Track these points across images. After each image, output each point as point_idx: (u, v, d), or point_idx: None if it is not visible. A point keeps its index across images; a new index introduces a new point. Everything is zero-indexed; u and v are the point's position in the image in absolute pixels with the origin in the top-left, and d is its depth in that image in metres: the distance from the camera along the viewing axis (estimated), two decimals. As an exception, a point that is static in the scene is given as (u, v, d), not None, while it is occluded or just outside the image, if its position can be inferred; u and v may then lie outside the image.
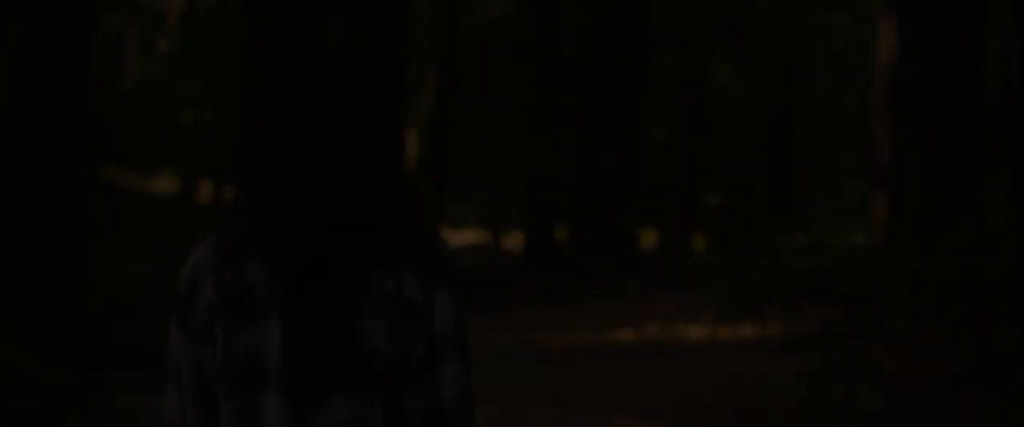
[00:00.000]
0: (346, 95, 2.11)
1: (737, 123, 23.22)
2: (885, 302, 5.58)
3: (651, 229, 21.47)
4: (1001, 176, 12.19)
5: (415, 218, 2.22)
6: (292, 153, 2.10)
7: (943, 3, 11.59)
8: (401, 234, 2.13)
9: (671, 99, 18.31)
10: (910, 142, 11.69)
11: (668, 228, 17.51)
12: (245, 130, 15.49)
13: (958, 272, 5.25)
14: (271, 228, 2.09)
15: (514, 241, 23.85)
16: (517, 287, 17.99)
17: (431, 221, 19.73)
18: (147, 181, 26.45)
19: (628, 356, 11.39)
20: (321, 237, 2.07)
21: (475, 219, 26.02)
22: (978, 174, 11.82)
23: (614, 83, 18.62)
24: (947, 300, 8.66)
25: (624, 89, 18.62)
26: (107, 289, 17.25)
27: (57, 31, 11.26)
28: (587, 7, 19.19)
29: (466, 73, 23.69)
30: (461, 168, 25.20)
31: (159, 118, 25.20)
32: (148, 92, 25.64)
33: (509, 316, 15.75)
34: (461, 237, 25.37)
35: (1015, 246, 6.25)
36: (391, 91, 2.24)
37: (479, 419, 6.84)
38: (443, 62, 21.35)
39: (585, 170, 19.03)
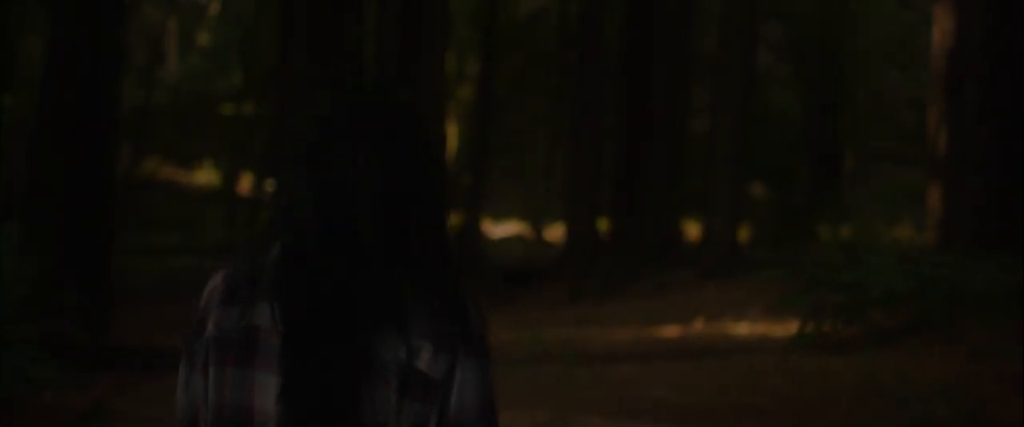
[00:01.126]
0: (381, 134, 1.92)
1: (781, 112, 22.48)
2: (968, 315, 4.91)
3: (694, 219, 20.79)
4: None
5: (453, 275, 1.97)
6: (315, 194, 1.91)
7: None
8: (426, 294, 1.90)
9: (714, 88, 17.61)
10: (967, 131, 10.96)
11: (712, 218, 16.82)
12: (281, 126, 14.99)
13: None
14: (282, 270, 1.90)
15: (555, 233, 23.25)
16: (558, 280, 17.38)
17: (471, 214, 19.16)
18: (188, 174, 26.06)
19: (674, 355, 10.73)
20: (334, 287, 1.87)
21: (516, 211, 25.44)
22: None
23: (656, 73, 17.97)
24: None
25: (666, 79, 17.97)
26: (138, 284, 16.82)
27: (88, 24, 10.70)
28: (628, -5, 18.56)
29: (507, 64, 23.10)
30: (501, 159, 24.61)
31: (200, 111, 24.81)
32: (189, 85, 25.25)
33: (551, 311, 15.15)
34: (501, 229, 24.80)
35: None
36: (431, 132, 2.01)
37: (524, 425, 6.16)
38: (483, 53, 20.73)
39: (627, 161, 18.39)
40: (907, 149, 22.68)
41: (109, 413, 7.31)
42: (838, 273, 3.81)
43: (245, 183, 23.91)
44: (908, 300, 3.69)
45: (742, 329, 12.38)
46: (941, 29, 11.49)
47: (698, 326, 12.64)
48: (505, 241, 23.38)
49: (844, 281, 3.69)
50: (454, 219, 19.58)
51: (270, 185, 18.79)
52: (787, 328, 12.31)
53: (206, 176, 25.87)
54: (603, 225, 19.03)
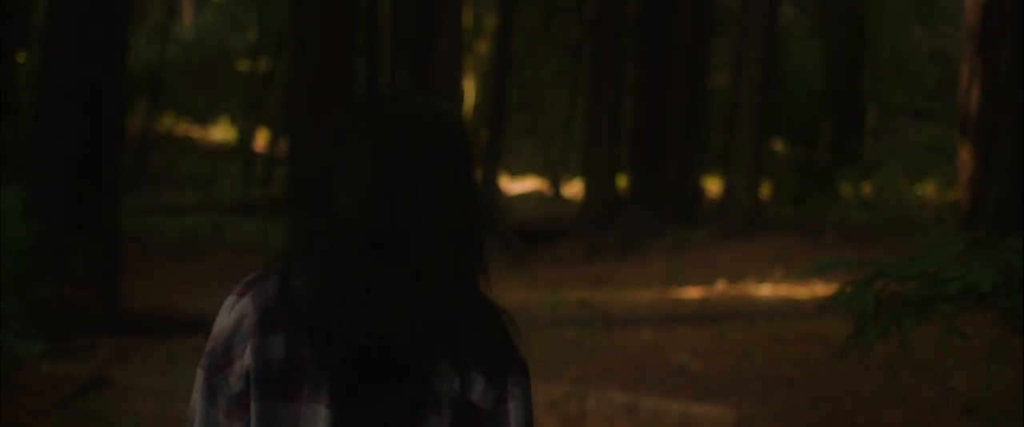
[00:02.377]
0: (423, 147, 1.79)
1: (803, 68, 21.96)
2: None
3: (715, 176, 20.35)
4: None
5: (483, 292, 1.84)
6: (365, 202, 1.76)
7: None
8: (472, 319, 1.77)
9: (737, 44, 17.12)
10: (1000, 90, 10.49)
11: (733, 177, 16.39)
12: (296, 83, 14.57)
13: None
14: (324, 296, 1.73)
15: (574, 189, 22.83)
16: (576, 238, 16.98)
17: (489, 170, 18.76)
18: (204, 131, 25.70)
19: (695, 320, 10.32)
20: (382, 316, 1.72)
21: (534, 167, 25.01)
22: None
23: (677, 27, 17.48)
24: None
25: (686, 33, 17.47)
26: (154, 243, 16.51)
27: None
28: (648, -52, 18.02)
29: (525, 19, 22.60)
30: (520, 115, 24.16)
31: (215, 68, 24.41)
32: (204, 42, 24.83)
33: (568, 269, 14.75)
34: (519, 185, 24.39)
35: None
36: (472, 148, 1.88)
37: (541, 400, 5.78)
38: (501, 7, 20.23)
39: (647, 117, 17.93)
40: (930, 105, 22.17)
41: (109, 384, 6.96)
42: (909, 262, 3.34)
43: (261, 140, 23.55)
44: (992, 297, 3.24)
45: (765, 291, 11.97)
46: (974, -17, 10.98)
47: (720, 288, 12.24)
48: (523, 197, 22.98)
49: (914, 271, 3.24)
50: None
51: (284, 144, 18.44)
52: (812, 291, 11.91)
53: (222, 133, 25.52)
54: (622, 182, 18.60)
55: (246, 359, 1.74)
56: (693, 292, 12.10)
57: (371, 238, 1.75)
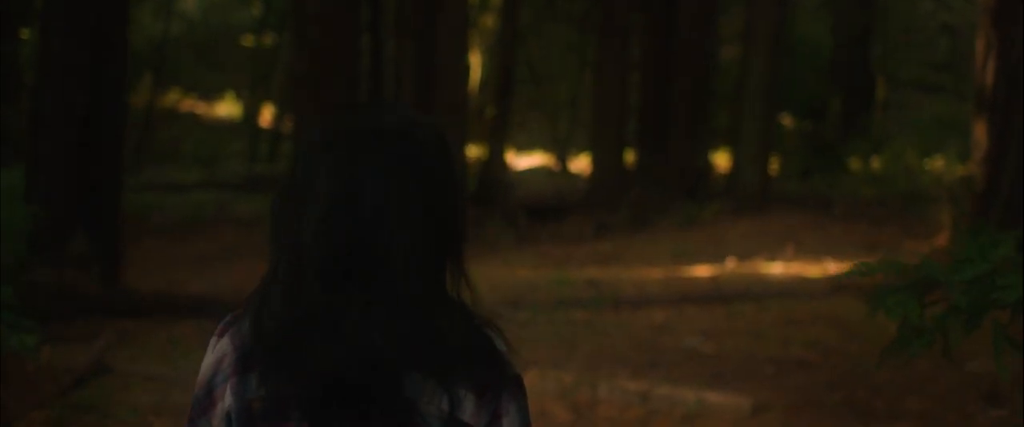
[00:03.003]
0: (392, 162, 1.68)
1: (811, 41, 21.67)
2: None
3: (724, 151, 20.09)
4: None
5: (465, 306, 1.73)
6: (321, 228, 1.65)
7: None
8: (456, 334, 1.68)
9: (746, 17, 16.83)
10: (1017, 62, 10.23)
11: (742, 153, 16.15)
12: (300, 58, 14.34)
13: None
14: (289, 331, 1.65)
15: (581, 164, 22.59)
16: (584, 214, 16.75)
17: (495, 146, 18.53)
18: (209, 106, 25.47)
19: (706, 299, 10.11)
20: (355, 343, 1.63)
21: (541, 142, 24.76)
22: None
23: (683, 1, 17.19)
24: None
25: (695, 6, 17.19)
26: (158, 221, 16.33)
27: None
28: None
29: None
30: (526, 90, 23.89)
31: (220, 43, 24.15)
32: (208, 16, 24.56)
33: (576, 246, 14.53)
34: (526, 161, 24.15)
35: None
36: (452, 159, 1.76)
37: (551, 389, 5.56)
38: (507, -19, 19.93)
39: (654, 92, 17.67)
40: (940, 78, 21.89)
41: (108, 372, 6.76)
42: (957, 267, 3.09)
43: (266, 115, 23.32)
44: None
45: (776, 270, 11.75)
46: (989, -46, 10.70)
47: (730, 266, 12.02)
48: (530, 173, 22.75)
49: (965, 276, 2.99)
50: (477, 151, 18.78)
51: (289, 120, 18.24)
52: (823, 269, 11.69)
53: (227, 108, 25.29)
54: (630, 157, 18.36)
55: (227, 400, 1.69)
56: (703, 270, 11.89)
57: (335, 264, 1.65)
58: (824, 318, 9.25)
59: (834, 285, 10.58)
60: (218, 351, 1.73)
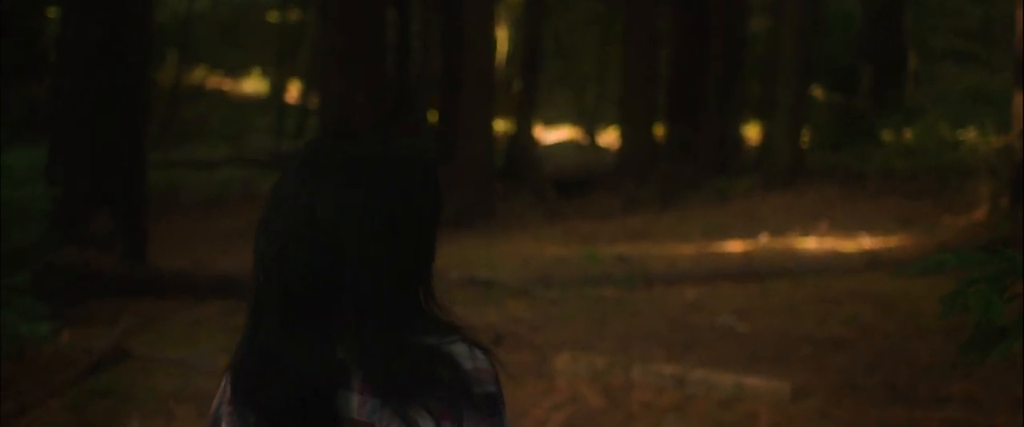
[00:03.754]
0: (354, 191, 1.64)
1: (842, 10, 21.26)
2: None
3: (754, 123, 19.75)
4: None
5: (440, 324, 1.69)
6: (280, 251, 1.64)
7: None
8: (413, 356, 1.61)
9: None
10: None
11: (774, 126, 15.84)
12: (325, 33, 14.09)
13: None
14: (246, 361, 1.66)
15: (609, 138, 22.30)
16: (613, 189, 16.48)
17: (522, 120, 18.26)
18: (236, 83, 25.28)
19: (739, 276, 9.85)
20: (294, 378, 1.62)
21: (568, 116, 24.47)
22: None
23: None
24: None
25: (724, -22, 16.86)
26: (184, 199, 16.18)
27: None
28: None
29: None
30: (553, 63, 23.59)
31: (245, 19, 23.92)
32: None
33: (607, 222, 14.28)
34: (553, 135, 23.88)
35: None
36: (427, 185, 1.72)
37: (583, 372, 5.30)
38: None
39: (683, 64, 17.36)
40: (973, 48, 21.45)
41: (128, 356, 6.57)
42: None
43: (293, 91, 23.11)
44: None
45: (810, 245, 11.47)
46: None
47: (763, 241, 11.75)
48: (557, 147, 22.48)
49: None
50: (504, 126, 18.52)
51: (316, 96, 18.02)
52: (858, 244, 11.41)
53: (254, 85, 25.09)
54: (659, 131, 18.05)
55: None
56: (735, 246, 11.62)
57: (291, 290, 1.64)
58: (860, 294, 8.98)
59: (870, 260, 10.30)
60: (225, 378, 1.75)
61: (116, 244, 9.65)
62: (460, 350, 1.65)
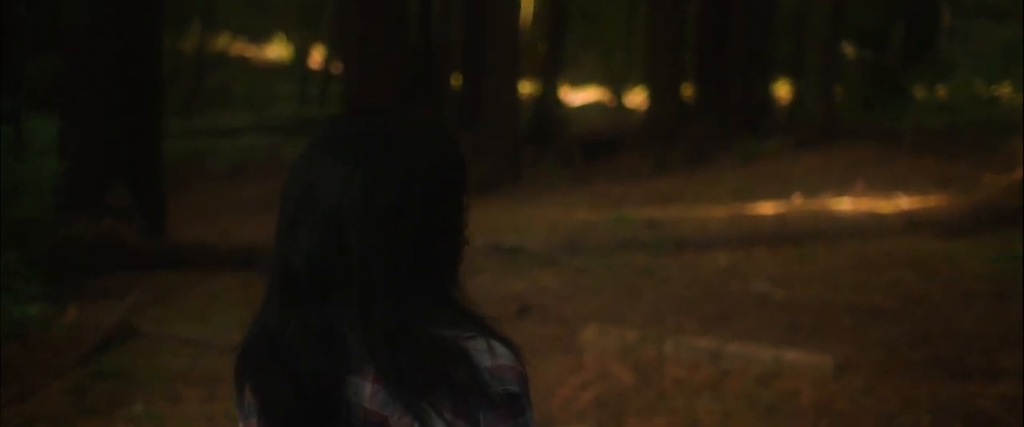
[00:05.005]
0: (363, 170, 1.54)
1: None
2: None
3: (784, 82, 19.23)
4: None
5: (461, 313, 1.57)
6: (288, 234, 1.56)
7: None
8: (427, 348, 1.50)
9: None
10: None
11: (804, 84, 15.35)
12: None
13: None
14: (251, 344, 1.59)
15: (636, 99, 21.82)
16: (641, 150, 16.04)
17: (549, 82, 17.82)
18: (259, 49, 24.89)
19: (775, 240, 9.43)
20: (303, 367, 1.53)
21: (595, 77, 23.98)
22: None
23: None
24: None
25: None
26: (209, 167, 15.87)
27: None
28: None
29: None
30: (580, 24, 23.07)
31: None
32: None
33: (635, 184, 13.86)
34: (580, 96, 23.41)
35: None
36: (447, 163, 1.61)
37: (613, 346, 4.90)
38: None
39: (711, 22, 16.86)
40: (1007, 2, 20.80)
41: (136, 334, 6.22)
42: None
43: (316, 56, 22.71)
44: None
45: (845, 206, 11.02)
46: None
47: (796, 203, 11.30)
48: (584, 109, 22.02)
49: None
50: (530, 88, 18.09)
51: (339, 62, 17.63)
52: (895, 204, 10.95)
53: (277, 51, 24.70)
54: (687, 92, 17.57)
55: (247, 398, 1.63)
56: (768, 208, 11.19)
57: (295, 269, 1.55)
58: (900, 259, 8.56)
59: (908, 222, 9.85)
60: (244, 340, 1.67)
61: (133, 216, 9.32)
62: (479, 345, 1.53)
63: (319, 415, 1.53)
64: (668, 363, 5.70)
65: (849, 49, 20.33)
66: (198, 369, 5.75)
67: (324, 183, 1.54)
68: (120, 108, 9.44)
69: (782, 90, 19.39)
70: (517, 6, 15.03)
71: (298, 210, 1.55)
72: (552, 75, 18.00)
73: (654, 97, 17.05)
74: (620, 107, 22.36)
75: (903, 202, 10.96)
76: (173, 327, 6.57)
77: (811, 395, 5.30)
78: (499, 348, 1.53)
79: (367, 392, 1.50)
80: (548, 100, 17.95)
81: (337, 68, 19.41)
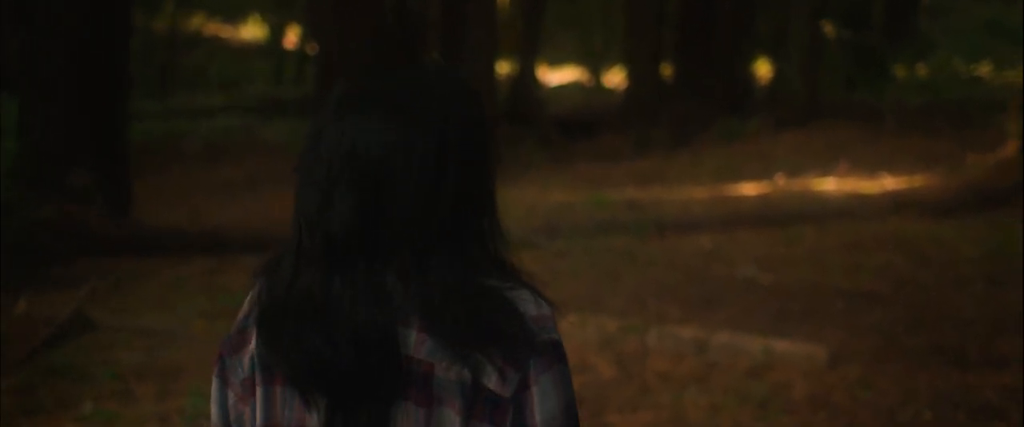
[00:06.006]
0: (399, 127, 1.53)
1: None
2: None
3: (765, 60, 18.85)
4: None
5: (500, 266, 1.57)
6: (323, 192, 1.53)
7: None
8: (476, 298, 1.51)
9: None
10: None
11: (786, 62, 14.99)
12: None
13: None
14: (282, 310, 1.54)
15: (615, 79, 21.43)
16: (620, 130, 15.66)
17: (526, 61, 17.42)
18: (234, 29, 24.37)
19: (759, 221, 9.08)
20: (339, 334, 1.51)
21: (573, 56, 23.57)
22: None
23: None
24: None
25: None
26: (183, 148, 15.44)
27: None
28: None
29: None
30: (558, 2, 22.64)
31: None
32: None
33: (615, 165, 13.49)
34: (558, 76, 23.01)
35: None
36: (476, 113, 1.59)
37: (592, 338, 4.54)
38: None
39: (692, 2, 16.46)
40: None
41: (91, 327, 5.81)
42: None
43: (292, 36, 22.23)
44: None
45: (829, 186, 10.68)
46: None
47: (780, 183, 10.95)
48: (562, 89, 21.62)
49: None
50: (507, 67, 17.71)
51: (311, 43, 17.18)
52: (880, 185, 10.62)
53: (252, 31, 24.19)
54: (667, 71, 17.18)
55: (252, 347, 1.59)
56: (751, 189, 10.84)
57: (335, 238, 1.51)
58: (890, 241, 8.22)
59: (895, 203, 9.52)
60: (251, 295, 1.63)
61: (96, 199, 8.90)
62: (524, 295, 1.55)
63: (379, 365, 1.50)
64: (651, 355, 5.34)
65: (829, 28, 19.99)
66: (155, 363, 5.36)
67: (365, 143, 1.51)
68: (83, 88, 9.05)
69: (762, 69, 19.03)
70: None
71: (334, 173, 1.51)
72: (529, 53, 17.58)
73: (633, 75, 16.67)
74: (599, 87, 21.94)
75: (888, 182, 10.63)
76: (131, 318, 6.18)
77: (804, 387, 4.94)
78: (540, 299, 1.55)
79: (413, 340, 1.50)
80: (525, 79, 17.54)
81: (313, 49, 18.94)
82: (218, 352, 1.64)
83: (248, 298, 1.64)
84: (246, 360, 1.60)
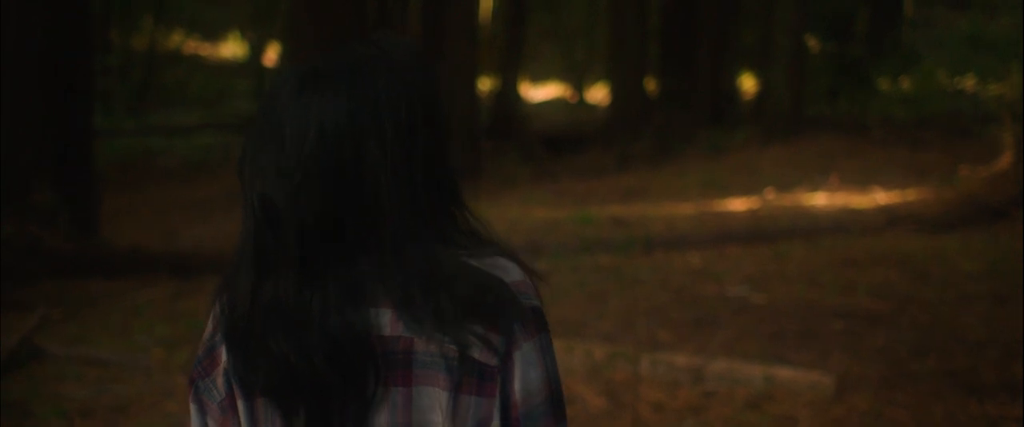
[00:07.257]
0: (361, 91, 1.45)
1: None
2: None
3: (750, 73, 18.43)
4: None
5: (474, 237, 1.51)
6: (283, 175, 1.42)
7: None
8: (451, 271, 1.44)
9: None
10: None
11: (771, 74, 14.57)
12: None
13: None
14: (252, 314, 1.45)
15: (599, 94, 21.00)
16: (604, 145, 15.22)
17: (508, 77, 16.97)
18: (214, 47, 23.87)
19: (749, 237, 8.62)
20: (318, 331, 1.43)
21: (556, 72, 23.12)
22: None
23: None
24: None
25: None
26: (161, 165, 14.96)
27: None
28: None
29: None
30: (539, 17, 22.20)
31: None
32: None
33: (600, 180, 13.04)
34: (541, 92, 22.56)
35: None
36: (435, 89, 1.51)
37: (580, 366, 4.10)
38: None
39: (677, 11, 16.05)
40: (970, -8, 20.16)
41: (40, 355, 5.31)
42: None
43: (271, 54, 21.76)
44: None
45: (820, 201, 10.23)
46: None
47: (769, 198, 10.50)
48: (545, 104, 21.19)
49: None
50: (490, 83, 17.29)
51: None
52: (872, 199, 10.18)
53: (232, 48, 23.70)
54: (651, 85, 16.75)
55: (225, 359, 1.50)
56: (739, 204, 10.38)
57: (310, 230, 1.41)
58: (885, 257, 7.76)
59: (889, 217, 9.07)
60: (214, 312, 1.51)
61: (59, 219, 8.40)
62: (502, 263, 1.47)
63: (354, 369, 1.43)
64: (643, 384, 4.85)
65: (813, 41, 19.60)
66: (101, 398, 4.86)
67: (330, 122, 1.42)
68: (47, 104, 8.57)
69: (747, 82, 18.62)
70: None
71: (305, 158, 1.41)
72: (512, 69, 17.15)
73: (617, 89, 16.25)
74: (582, 103, 21.52)
75: (880, 196, 10.19)
76: (84, 347, 5.67)
77: (810, 421, 4.47)
78: (520, 266, 1.49)
79: (387, 319, 1.43)
80: (508, 95, 17.10)
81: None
82: (190, 377, 1.55)
83: (210, 316, 1.53)
84: (219, 381, 1.51)
